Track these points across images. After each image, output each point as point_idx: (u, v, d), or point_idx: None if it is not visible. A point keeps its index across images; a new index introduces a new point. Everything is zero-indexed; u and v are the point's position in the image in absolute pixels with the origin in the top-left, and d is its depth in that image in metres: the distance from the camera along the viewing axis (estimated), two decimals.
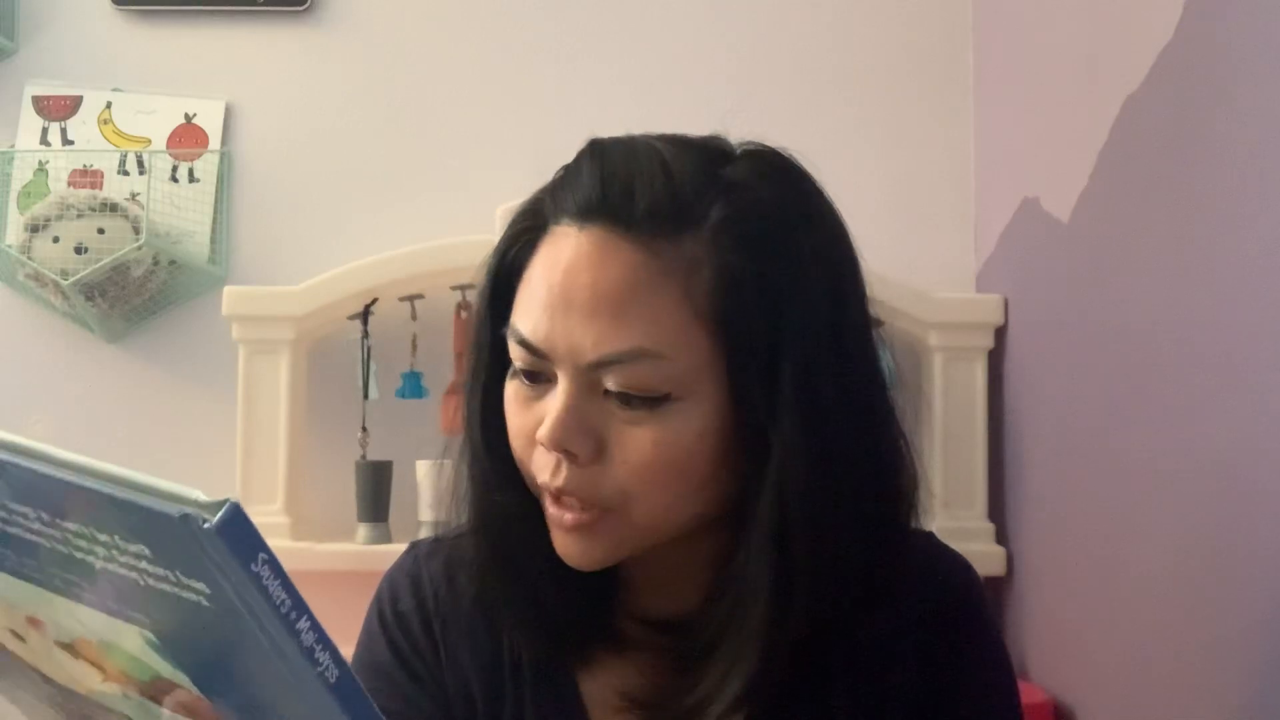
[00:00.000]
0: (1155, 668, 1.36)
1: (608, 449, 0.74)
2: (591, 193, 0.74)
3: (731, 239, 0.73)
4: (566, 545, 0.76)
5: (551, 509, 0.76)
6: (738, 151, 0.79)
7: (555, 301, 0.73)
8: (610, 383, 0.73)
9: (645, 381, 0.72)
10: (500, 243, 0.80)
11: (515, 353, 0.76)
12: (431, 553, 0.88)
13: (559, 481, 0.74)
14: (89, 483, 0.49)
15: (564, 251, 0.74)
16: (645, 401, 0.73)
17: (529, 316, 0.75)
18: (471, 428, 0.81)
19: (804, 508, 0.73)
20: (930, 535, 0.88)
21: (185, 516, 0.46)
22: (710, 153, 0.77)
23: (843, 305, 0.77)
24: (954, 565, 0.87)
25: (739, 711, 0.76)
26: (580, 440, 0.73)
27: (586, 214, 0.74)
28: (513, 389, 0.77)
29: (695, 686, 0.77)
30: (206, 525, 0.46)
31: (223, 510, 0.47)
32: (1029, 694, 1.72)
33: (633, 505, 0.74)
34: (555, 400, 0.74)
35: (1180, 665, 1.30)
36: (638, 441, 0.73)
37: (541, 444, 0.74)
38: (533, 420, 0.75)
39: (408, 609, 0.86)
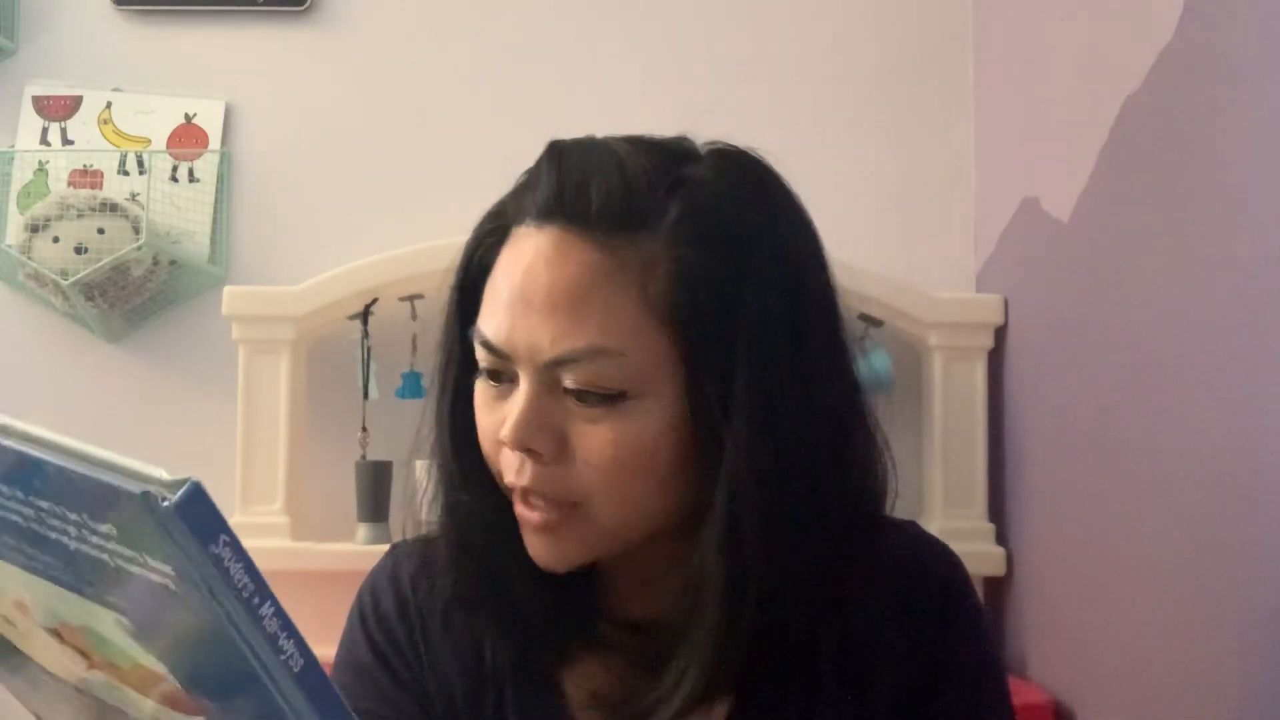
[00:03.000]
0: (1155, 668, 1.36)
1: (570, 447, 0.75)
2: (549, 193, 0.76)
3: (688, 236, 0.74)
4: (536, 546, 0.78)
5: (519, 508, 0.77)
6: (701, 151, 0.79)
7: (515, 301, 0.75)
8: (568, 380, 0.74)
9: (602, 379, 0.73)
10: (466, 246, 0.81)
11: (480, 354, 0.77)
12: (411, 553, 0.88)
13: (524, 480, 0.75)
14: (56, 458, 0.49)
15: (524, 252, 0.76)
16: (602, 399, 0.74)
17: (492, 318, 0.76)
18: (440, 430, 0.83)
19: (755, 507, 0.74)
20: (913, 524, 0.88)
21: (146, 494, 0.46)
22: (671, 152, 0.78)
23: (803, 304, 0.77)
24: (935, 553, 0.87)
25: (705, 704, 0.77)
26: (541, 439, 0.74)
27: (544, 215, 0.76)
28: (480, 390, 0.79)
29: (657, 685, 0.77)
30: (166, 504, 0.46)
31: (183, 489, 0.46)
32: (1029, 694, 1.71)
33: (596, 504, 0.75)
34: (517, 400, 0.75)
35: (1180, 665, 1.30)
36: (597, 440, 0.74)
37: (504, 443, 0.75)
38: (498, 420, 0.76)
39: (389, 609, 0.86)
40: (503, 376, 0.77)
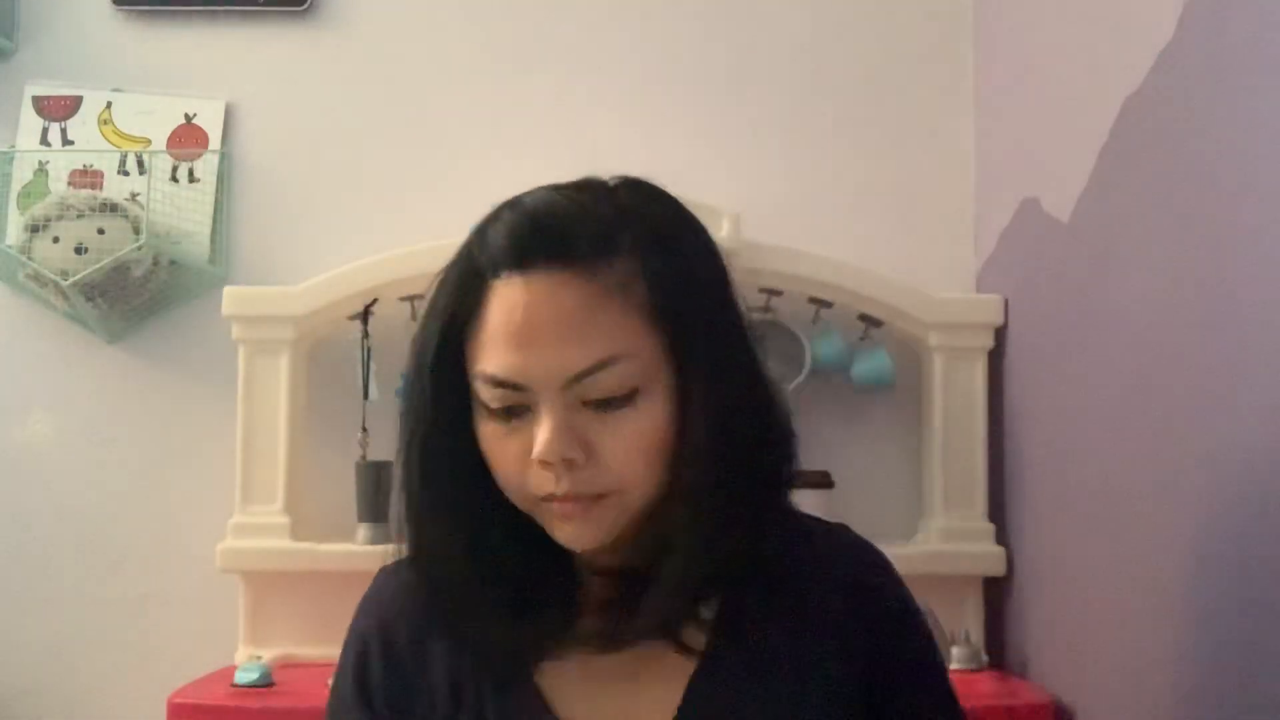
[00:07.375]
0: (1155, 668, 1.36)
1: (596, 449, 0.86)
2: (528, 243, 0.86)
3: (645, 251, 0.87)
4: (567, 532, 0.88)
5: (557, 508, 0.87)
6: (612, 183, 0.92)
7: (522, 340, 0.85)
8: (591, 393, 0.85)
9: (621, 382, 0.85)
10: (443, 309, 0.90)
11: (490, 394, 0.86)
12: (395, 572, 0.97)
13: (564, 487, 0.85)
14: None
15: (516, 298, 0.86)
16: (622, 401, 0.86)
17: (501, 358, 0.86)
18: (409, 474, 0.91)
19: (713, 466, 0.87)
20: (844, 528, 1.00)
21: None
22: (597, 189, 0.91)
23: (728, 283, 0.93)
24: (878, 563, 0.98)
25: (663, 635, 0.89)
26: (575, 448, 0.85)
27: (527, 262, 0.86)
28: (490, 429, 0.88)
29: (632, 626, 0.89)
30: None
31: None
32: (1029, 694, 1.71)
33: (627, 490, 0.87)
34: (544, 421, 0.85)
35: (1180, 665, 1.30)
36: (622, 437, 0.86)
37: (543, 460, 0.85)
38: (519, 446, 0.86)
39: (371, 637, 0.96)
40: (514, 410, 0.86)
